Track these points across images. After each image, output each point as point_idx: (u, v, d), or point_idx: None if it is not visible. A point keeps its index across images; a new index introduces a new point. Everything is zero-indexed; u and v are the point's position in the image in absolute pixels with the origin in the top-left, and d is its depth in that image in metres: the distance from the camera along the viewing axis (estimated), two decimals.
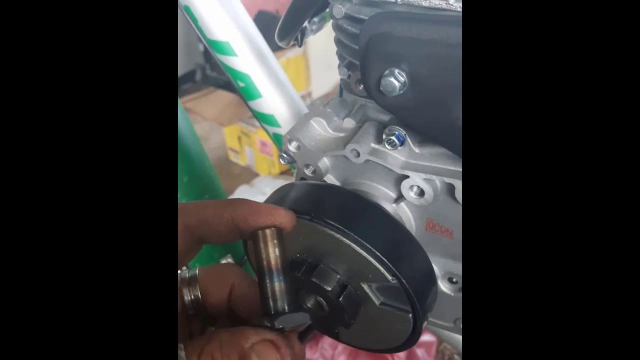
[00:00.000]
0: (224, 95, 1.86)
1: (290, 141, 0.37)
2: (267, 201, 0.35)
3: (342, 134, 0.36)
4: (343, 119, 0.37)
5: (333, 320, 0.33)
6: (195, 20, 0.48)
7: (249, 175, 1.80)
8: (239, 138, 1.80)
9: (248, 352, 0.24)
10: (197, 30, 0.49)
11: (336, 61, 0.36)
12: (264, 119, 0.52)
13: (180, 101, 0.63)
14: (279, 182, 1.57)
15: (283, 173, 1.75)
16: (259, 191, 1.59)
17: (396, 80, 0.26)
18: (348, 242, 0.29)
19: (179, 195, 0.59)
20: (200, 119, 1.88)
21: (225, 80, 1.88)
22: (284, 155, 0.39)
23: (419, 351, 1.03)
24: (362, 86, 0.32)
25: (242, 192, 1.64)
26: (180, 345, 0.24)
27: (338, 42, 0.33)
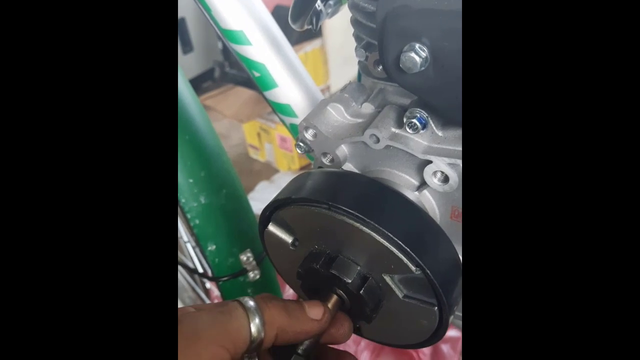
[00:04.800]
0: (243, 92, 1.86)
1: (306, 129, 0.35)
2: (283, 190, 0.33)
3: (360, 120, 0.35)
4: (361, 104, 0.35)
5: (354, 315, 0.31)
6: (208, 10, 0.47)
7: (269, 171, 1.79)
8: (259, 134, 1.80)
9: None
10: (210, 20, 0.48)
11: (353, 54, 0.35)
12: (281, 109, 0.50)
13: (199, 99, 0.63)
14: None
15: (303, 168, 1.74)
16: (279, 187, 1.58)
17: (417, 55, 0.24)
18: (368, 231, 0.28)
19: (196, 191, 0.58)
20: (220, 117, 1.89)
21: (244, 77, 1.87)
22: (301, 144, 0.37)
23: (444, 347, 1.01)
24: (380, 67, 0.31)
25: (262, 189, 1.64)
26: None
27: (355, 22, 0.32)
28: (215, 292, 1.01)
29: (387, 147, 0.32)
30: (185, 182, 0.56)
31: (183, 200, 0.57)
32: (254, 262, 0.61)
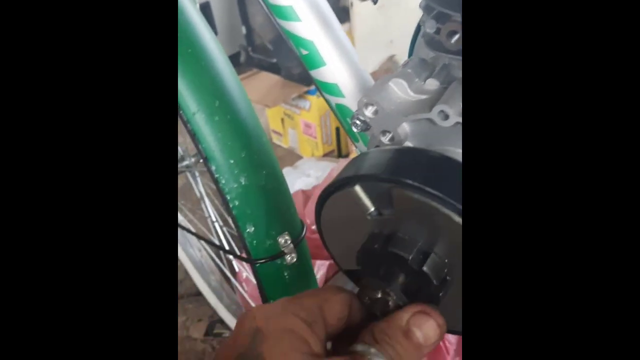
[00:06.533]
0: (268, 77, 1.85)
1: (366, 105, 0.34)
2: (342, 172, 0.32)
3: (424, 96, 0.33)
4: (425, 80, 0.34)
5: (420, 299, 0.30)
6: None
7: (292, 157, 1.79)
8: (282, 120, 1.79)
9: (407, 327, 0.27)
10: None
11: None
12: (327, 89, 0.49)
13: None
14: (322, 164, 1.55)
15: (326, 155, 1.73)
16: (302, 173, 1.58)
17: None
18: (435, 204, 0.27)
19: (236, 172, 0.57)
20: None
21: (269, 62, 1.86)
22: (357, 122, 0.36)
23: None
24: (456, 37, 0.29)
25: (286, 174, 1.63)
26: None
27: None
28: (244, 274, 1.01)
29: (456, 124, 0.31)
30: (226, 163, 0.56)
31: (223, 182, 0.56)
32: (292, 245, 0.60)
